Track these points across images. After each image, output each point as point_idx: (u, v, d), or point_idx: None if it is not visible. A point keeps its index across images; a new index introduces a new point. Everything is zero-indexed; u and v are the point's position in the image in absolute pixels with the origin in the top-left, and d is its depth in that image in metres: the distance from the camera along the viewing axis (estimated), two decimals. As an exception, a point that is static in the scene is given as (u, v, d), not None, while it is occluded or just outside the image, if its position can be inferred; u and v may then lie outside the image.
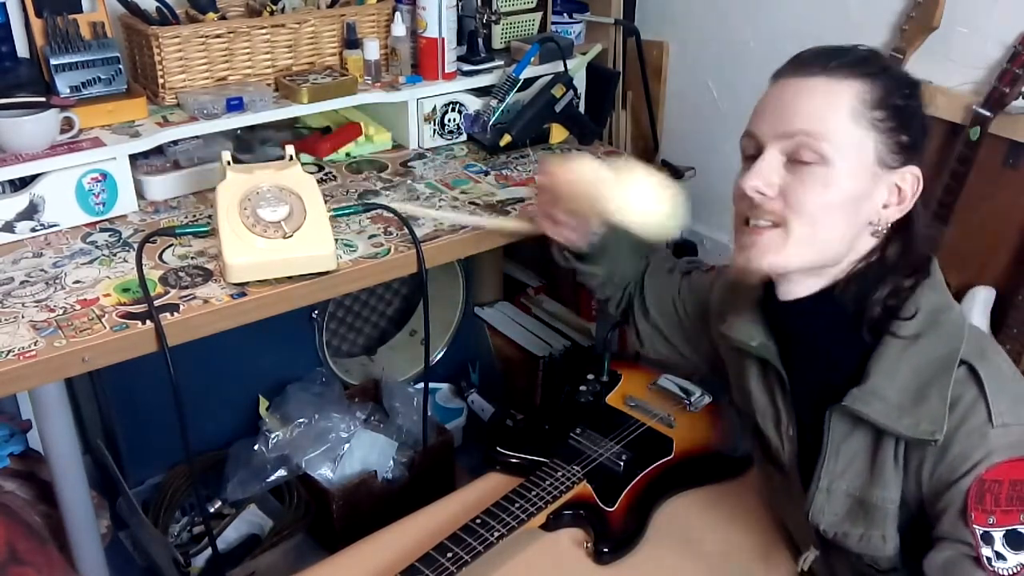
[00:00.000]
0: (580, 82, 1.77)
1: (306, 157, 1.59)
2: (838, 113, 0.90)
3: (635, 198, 1.07)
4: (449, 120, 1.68)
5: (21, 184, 1.29)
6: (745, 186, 0.93)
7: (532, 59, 1.67)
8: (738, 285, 1.11)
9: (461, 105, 1.69)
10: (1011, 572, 0.84)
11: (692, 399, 1.51)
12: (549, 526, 1.24)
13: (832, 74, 0.91)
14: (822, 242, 0.93)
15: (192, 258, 1.27)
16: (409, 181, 1.55)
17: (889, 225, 0.95)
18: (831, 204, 0.91)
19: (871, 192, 0.92)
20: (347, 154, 1.64)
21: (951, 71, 1.47)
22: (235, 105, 1.43)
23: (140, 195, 1.41)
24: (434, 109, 1.65)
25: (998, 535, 0.85)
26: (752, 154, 0.95)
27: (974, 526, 0.86)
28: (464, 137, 1.72)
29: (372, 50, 1.59)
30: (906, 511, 0.95)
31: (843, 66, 0.91)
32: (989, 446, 0.87)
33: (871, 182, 0.92)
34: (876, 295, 0.94)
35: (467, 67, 1.68)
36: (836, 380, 0.97)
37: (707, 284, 1.24)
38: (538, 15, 1.84)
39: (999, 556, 0.85)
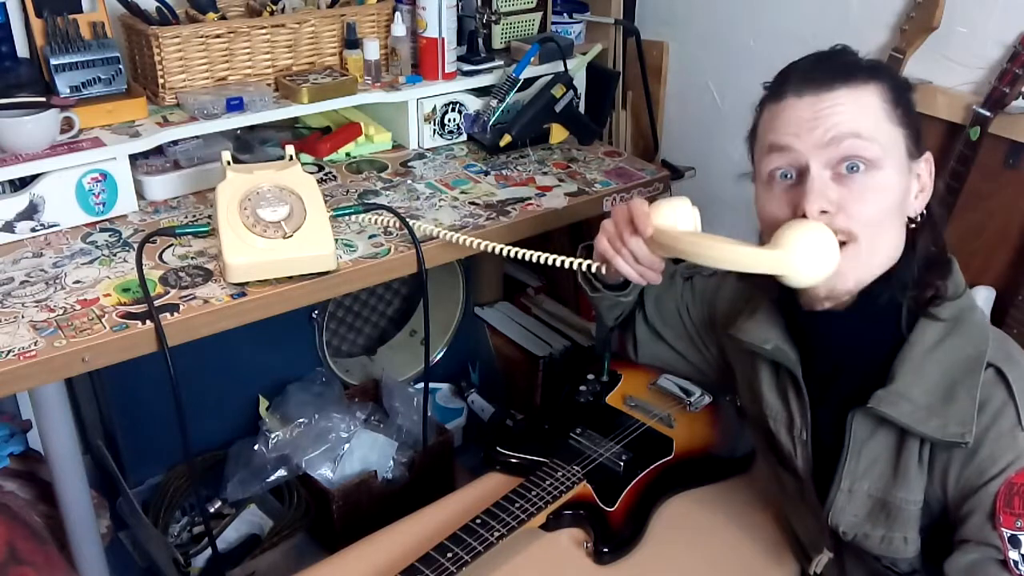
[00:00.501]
0: (580, 82, 1.77)
1: (306, 157, 1.59)
2: (875, 116, 0.90)
3: (806, 256, 0.90)
4: (449, 120, 1.68)
5: (21, 184, 1.29)
6: (810, 210, 0.89)
7: (532, 59, 1.67)
8: (750, 288, 1.10)
9: (461, 105, 1.69)
10: None
11: (692, 399, 1.51)
12: (549, 526, 1.24)
13: (850, 83, 0.91)
14: (886, 247, 0.93)
15: (192, 258, 1.27)
16: (409, 181, 1.55)
17: (922, 214, 0.96)
18: (887, 208, 0.91)
19: (910, 187, 0.94)
20: (347, 154, 1.64)
21: (951, 71, 1.47)
22: (235, 105, 1.43)
23: (140, 195, 1.41)
24: (434, 109, 1.65)
25: None
26: (783, 170, 0.93)
27: (1002, 529, 0.85)
28: (464, 137, 1.72)
29: (372, 50, 1.59)
30: (928, 512, 0.95)
31: (855, 73, 0.92)
32: (1019, 449, 0.87)
33: (908, 177, 0.93)
34: (920, 280, 0.94)
35: (467, 67, 1.68)
36: (857, 381, 0.97)
37: (713, 288, 1.23)
38: (538, 15, 1.84)
39: None
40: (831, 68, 0.92)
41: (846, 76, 0.91)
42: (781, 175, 0.93)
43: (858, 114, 0.90)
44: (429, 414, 1.81)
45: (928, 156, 0.96)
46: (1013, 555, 0.85)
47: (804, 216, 0.90)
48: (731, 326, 1.10)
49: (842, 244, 0.90)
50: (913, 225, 0.96)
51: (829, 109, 0.90)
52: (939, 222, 0.97)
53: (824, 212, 0.89)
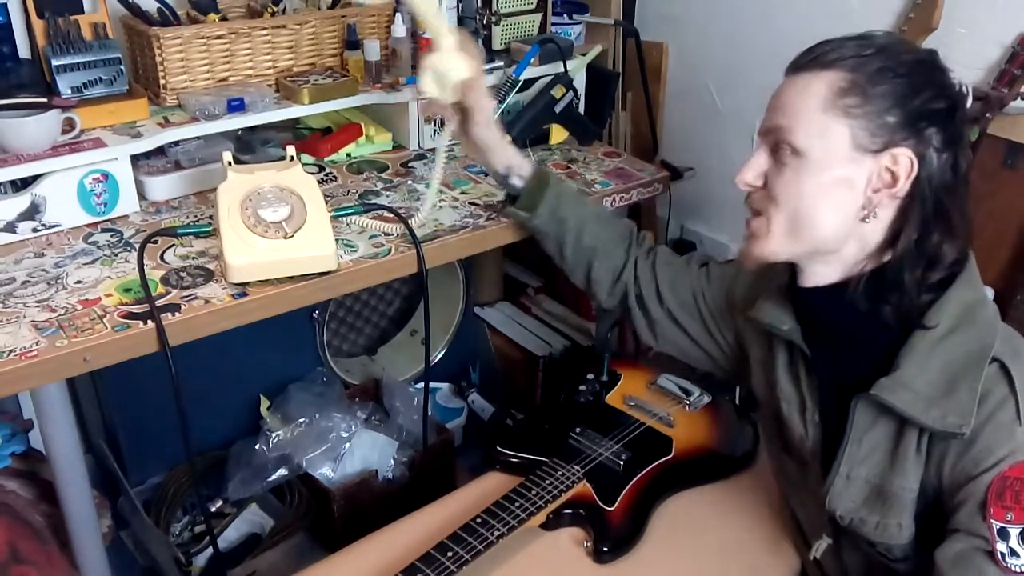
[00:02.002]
0: (580, 83, 1.77)
1: (307, 158, 1.60)
2: (808, 105, 0.92)
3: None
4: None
5: (23, 184, 1.29)
6: (737, 178, 0.99)
7: (532, 60, 1.67)
8: (766, 272, 1.11)
9: (461, 106, 1.69)
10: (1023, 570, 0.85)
11: (691, 399, 1.52)
12: (549, 525, 1.25)
13: (812, 68, 0.94)
14: (808, 229, 0.95)
15: (193, 258, 1.28)
16: (409, 182, 1.56)
17: (892, 208, 0.93)
18: (806, 192, 0.93)
19: (852, 178, 0.92)
20: (348, 155, 1.64)
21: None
22: (236, 106, 1.44)
23: (141, 195, 1.41)
24: (434, 110, 1.66)
25: (1015, 532, 0.85)
26: None
27: (991, 521, 0.86)
28: (464, 137, 1.72)
29: (373, 51, 1.59)
30: (923, 500, 0.96)
31: (824, 59, 0.93)
32: (1015, 443, 0.88)
33: (851, 168, 0.92)
34: (893, 297, 0.94)
35: (467, 68, 1.68)
36: (861, 368, 0.98)
37: (731, 274, 1.24)
38: (538, 16, 1.84)
39: (1013, 552, 0.85)
40: (814, 53, 0.95)
41: (814, 63, 0.94)
42: None
43: (794, 102, 0.94)
44: (429, 414, 1.81)
45: (907, 154, 0.90)
46: (1000, 547, 0.85)
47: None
48: (750, 310, 1.11)
49: (757, 216, 0.99)
50: (866, 222, 0.94)
51: (778, 96, 0.97)
52: (929, 225, 0.92)
53: (750, 185, 0.98)
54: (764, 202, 0.98)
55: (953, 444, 0.91)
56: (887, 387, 0.94)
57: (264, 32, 1.51)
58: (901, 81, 0.90)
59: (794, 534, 1.23)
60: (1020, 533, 0.85)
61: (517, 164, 1.33)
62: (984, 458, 0.89)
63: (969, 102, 0.97)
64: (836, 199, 0.93)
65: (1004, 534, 0.86)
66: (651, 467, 1.36)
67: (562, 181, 1.44)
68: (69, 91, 1.37)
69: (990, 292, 1.47)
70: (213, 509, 1.71)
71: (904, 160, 0.91)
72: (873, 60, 0.91)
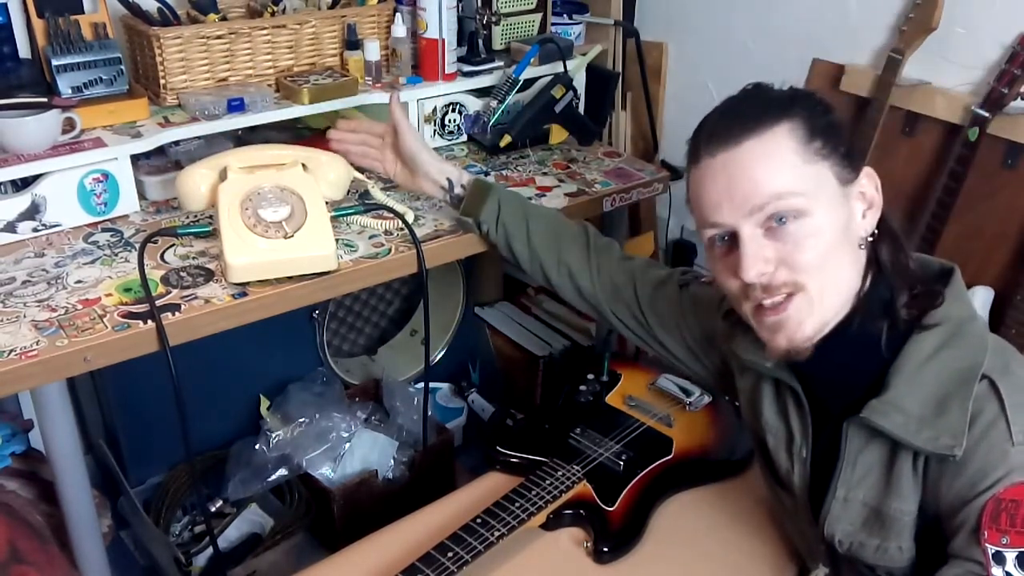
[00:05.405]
0: (580, 83, 1.77)
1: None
2: (791, 164, 0.89)
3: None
4: (449, 121, 1.69)
5: (23, 184, 1.29)
6: (747, 277, 0.90)
7: (532, 60, 1.67)
8: None
9: (461, 106, 1.69)
10: None
11: (692, 399, 1.52)
12: (549, 526, 1.25)
13: (758, 131, 0.89)
14: (838, 283, 0.92)
15: (193, 258, 1.28)
16: (409, 181, 1.55)
17: (874, 232, 0.94)
18: (828, 247, 0.90)
19: (851, 212, 0.92)
20: (348, 154, 1.64)
21: (950, 72, 1.48)
22: (236, 106, 1.44)
23: (142, 195, 1.41)
24: (434, 110, 1.66)
25: (1011, 556, 0.82)
26: (720, 237, 0.94)
27: (986, 545, 0.83)
28: (464, 138, 1.73)
29: (373, 51, 1.59)
30: (923, 522, 0.94)
31: (761, 118, 0.90)
32: (1009, 464, 0.85)
33: (846, 205, 0.92)
34: (885, 322, 0.93)
35: (467, 68, 1.69)
36: (853, 392, 0.96)
37: (713, 301, 1.20)
38: (538, 16, 1.84)
39: None
40: (738, 118, 0.91)
41: (753, 125, 0.89)
42: (719, 239, 0.94)
43: (772, 170, 0.88)
44: (429, 414, 1.81)
45: (868, 171, 0.93)
46: (996, 572, 0.82)
47: (745, 283, 0.91)
48: (732, 340, 1.09)
49: (790, 296, 0.91)
50: (863, 248, 0.94)
51: (742, 173, 0.89)
52: (896, 231, 0.95)
53: (763, 274, 0.90)
54: (792, 280, 0.90)
55: (947, 466, 0.89)
56: (877, 409, 0.92)
57: (264, 32, 1.51)
58: (819, 114, 0.92)
59: (788, 543, 1.22)
60: (1016, 557, 0.82)
61: (457, 175, 1.36)
62: (977, 481, 0.86)
63: None
64: (847, 239, 0.92)
65: (1000, 558, 0.83)
66: (651, 467, 1.36)
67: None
68: (69, 91, 1.37)
69: (990, 292, 1.47)
70: (213, 509, 1.71)
71: (870, 174, 0.93)
72: (794, 105, 0.91)
